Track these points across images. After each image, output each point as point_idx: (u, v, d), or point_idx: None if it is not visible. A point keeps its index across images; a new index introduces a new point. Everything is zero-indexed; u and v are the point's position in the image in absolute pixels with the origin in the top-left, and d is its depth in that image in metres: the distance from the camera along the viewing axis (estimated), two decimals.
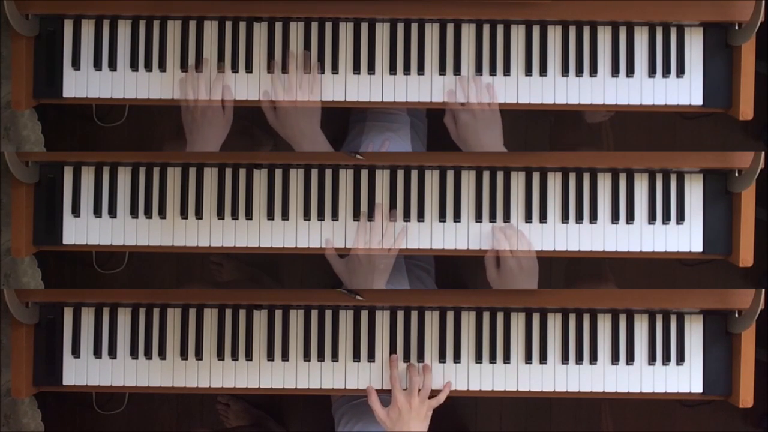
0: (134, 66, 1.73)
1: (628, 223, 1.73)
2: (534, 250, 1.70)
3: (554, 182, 1.74)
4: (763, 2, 1.67)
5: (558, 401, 2.29)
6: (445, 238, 1.73)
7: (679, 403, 2.22)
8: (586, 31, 1.74)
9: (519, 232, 1.70)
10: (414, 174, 1.74)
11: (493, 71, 1.73)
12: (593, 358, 1.73)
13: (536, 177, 1.74)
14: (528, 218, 1.73)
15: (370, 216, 1.72)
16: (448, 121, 1.73)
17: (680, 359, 1.73)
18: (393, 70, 1.73)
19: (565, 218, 1.73)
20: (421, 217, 1.73)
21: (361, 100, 1.73)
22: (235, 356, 1.74)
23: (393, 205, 1.73)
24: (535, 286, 1.70)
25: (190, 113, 1.71)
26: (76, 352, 1.75)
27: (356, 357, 1.73)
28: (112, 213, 1.74)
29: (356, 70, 1.73)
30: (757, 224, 1.72)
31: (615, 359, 1.73)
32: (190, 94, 1.70)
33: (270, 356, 1.73)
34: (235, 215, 1.74)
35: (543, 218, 1.73)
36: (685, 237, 1.73)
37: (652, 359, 1.73)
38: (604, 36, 1.74)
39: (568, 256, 1.74)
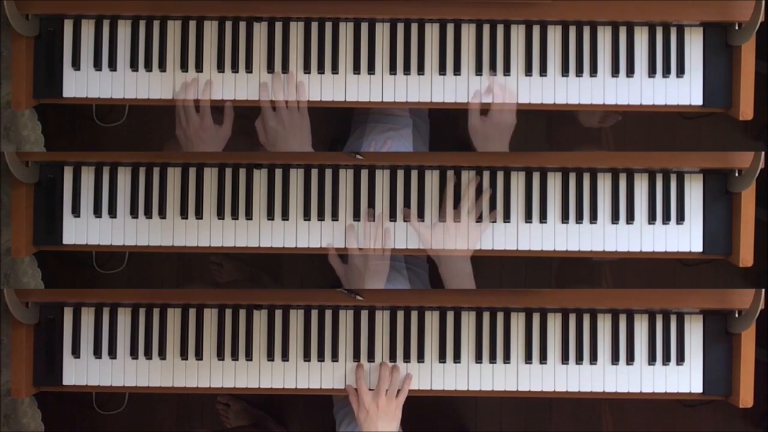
0: (134, 66, 1.73)
1: (628, 223, 1.73)
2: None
3: (554, 182, 1.74)
4: (763, 2, 1.67)
5: (558, 401, 2.29)
6: (445, 239, 1.73)
7: (679, 403, 2.22)
8: (586, 31, 1.74)
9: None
10: (414, 174, 1.74)
11: (493, 71, 1.73)
12: (593, 358, 1.73)
13: (536, 177, 1.74)
14: (528, 218, 1.73)
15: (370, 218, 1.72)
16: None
17: (680, 359, 1.73)
18: (393, 70, 1.73)
19: (565, 218, 1.73)
20: (421, 217, 1.73)
21: (361, 100, 1.73)
22: (235, 356, 1.74)
23: (393, 205, 1.73)
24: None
25: (182, 132, 1.71)
26: (76, 352, 1.75)
27: (356, 357, 1.73)
28: (112, 213, 1.74)
29: (356, 70, 1.73)
30: (757, 224, 1.72)
31: (615, 359, 1.73)
32: (182, 116, 1.71)
33: (270, 356, 1.73)
34: (235, 215, 1.74)
35: (543, 218, 1.73)
36: (685, 237, 1.73)
37: (652, 359, 1.73)
38: (604, 36, 1.74)
39: (568, 256, 1.74)
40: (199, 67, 1.73)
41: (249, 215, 1.73)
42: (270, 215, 1.73)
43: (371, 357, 1.73)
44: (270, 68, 1.73)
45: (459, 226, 1.70)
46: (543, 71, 1.73)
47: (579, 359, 1.73)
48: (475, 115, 1.72)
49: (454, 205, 1.72)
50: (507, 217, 1.73)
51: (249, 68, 1.73)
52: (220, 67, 1.73)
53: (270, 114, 1.70)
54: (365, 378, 1.70)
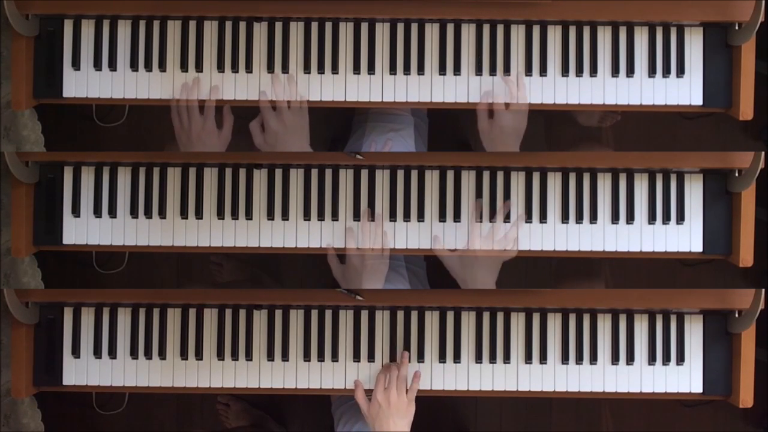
0: (134, 66, 1.73)
1: (628, 223, 1.73)
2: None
3: (554, 182, 1.74)
4: (763, 2, 1.67)
5: (558, 401, 2.29)
6: (445, 238, 1.73)
7: (679, 403, 2.22)
8: (586, 31, 1.74)
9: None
10: (414, 174, 1.74)
11: (493, 71, 1.73)
12: (593, 358, 1.73)
13: (536, 177, 1.74)
14: (528, 218, 1.73)
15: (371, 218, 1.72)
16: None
17: (680, 359, 1.73)
18: (393, 70, 1.73)
19: (565, 218, 1.73)
20: (421, 217, 1.73)
21: (361, 100, 1.73)
22: (235, 356, 1.74)
23: (393, 206, 1.73)
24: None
25: (184, 133, 1.71)
26: (76, 352, 1.75)
27: (356, 357, 1.73)
28: (112, 213, 1.74)
29: (356, 70, 1.73)
30: (757, 224, 1.72)
31: (615, 359, 1.73)
32: (184, 117, 1.71)
33: (270, 356, 1.73)
34: (235, 215, 1.74)
35: (543, 218, 1.73)
36: (685, 237, 1.73)
37: (652, 359, 1.73)
38: (604, 36, 1.74)
39: (568, 256, 1.74)
40: (199, 67, 1.73)
41: (249, 215, 1.73)
42: (270, 215, 1.73)
43: (371, 357, 1.73)
44: (270, 68, 1.73)
45: (484, 257, 1.70)
46: (543, 71, 1.73)
47: (579, 359, 1.73)
48: (483, 117, 1.71)
49: (481, 217, 1.72)
50: (507, 217, 1.72)
51: (249, 68, 1.73)
52: (220, 67, 1.73)
53: (271, 114, 1.70)
54: (385, 373, 1.69)
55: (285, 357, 1.74)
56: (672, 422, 2.28)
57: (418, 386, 1.69)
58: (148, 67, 1.73)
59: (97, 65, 1.74)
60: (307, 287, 2.28)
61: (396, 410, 1.65)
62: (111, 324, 1.75)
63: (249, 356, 1.74)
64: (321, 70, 1.73)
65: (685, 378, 1.73)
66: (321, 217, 1.73)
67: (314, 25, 1.73)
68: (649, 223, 1.73)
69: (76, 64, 1.73)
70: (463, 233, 1.73)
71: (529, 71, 1.73)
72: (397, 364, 1.70)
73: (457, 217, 1.72)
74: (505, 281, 2.26)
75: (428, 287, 1.95)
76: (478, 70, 1.73)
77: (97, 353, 1.76)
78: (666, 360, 1.73)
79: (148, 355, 1.75)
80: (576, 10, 1.71)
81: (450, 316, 1.74)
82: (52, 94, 1.74)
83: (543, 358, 1.73)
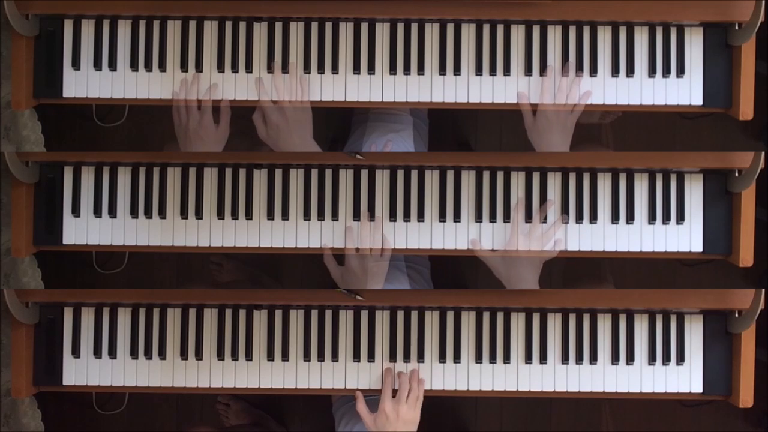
0: (134, 66, 1.73)
1: (628, 223, 1.73)
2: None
3: (554, 182, 1.74)
4: (763, 2, 1.67)
5: (558, 401, 2.29)
6: (445, 238, 1.73)
7: (679, 403, 2.22)
8: (586, 31, 1.74)
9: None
10: (414, 174, 1.74)
11: (493, 71, 1.73)
12: (593, 358, 1.73)
13: (536, 177, 1.74)
14: (528, 218, 1.73)
15: (371, 218, 1.72)
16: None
17: (680, 359, 1.73)
18: (393, 70, 1.73)
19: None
20: (421, 217, 1.73)
21: (361, 100, 1.73)
22: (235, 356, 1.74)
23: (393, 205, 1.73)
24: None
25: (182, 130, 1.72)
26: (76, 352, 1.75)
27: (356, 357, 1.73)
28: (112, 213, 1.74)
29: (356, 70, 1.73)
30: (757, 224, 1.72)
31: (615, 359, 1.73)
32: (183, 114, 1.71)
33: (270, 356, 1.73)
34: (235, 215, 1.74)
35: (543, 218, 1.73)
36: (685, 237, 1.73)
37: (652, 359, 1.73)
38: (604, 36, 1.74)
39: (568, 256, 1.74)
40: (199, 67, 1.73)
41: (249, 215, 1.74)
42: (270, 215, 1.73)
43: (371, 357, 1.73)
44: (270, 68, 1.73)
45: (525, 257, 1.70)
46: (543, 71, 1.73)
47: (579, 359, 1.73)
48: (528, 114, 1.71)
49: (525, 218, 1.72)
50: (507, 218, 1.73)
51: (249, 68, 1.73)
52: (220, 67, 1.73)
53: (272, 109, 1.70)
54: (392, 383, 1.69)
55: (285, 357, 1.74)
56: (672, 422, 2.28)
57: (421, 392, 1.69)
58: (148, 67, 1.73)
59: (97, 65, 1.74)
60: (307, 287, 2.28)
61: (403, 424, 1.65)
62: (111, 324, 1.75)
63: (249, 356, 1.74)
64: (321, 70, 1.73)
65: (685, 378, 1.73)
66: (321, 217, 1.73)
67: (314, 25, 1.73)
68: (649, 223, 1.73)
69: (76, 64, 1.73)
70: (463, 233, 1.73)
71: (529, 71, 1.73)
72: (407, 376, 1.69)
73: (457, 217, 1.72)
74: None
75: (432, 287, 1.95)
76: (478, 70, 1.73)
77: (97, 353, 1.76)
78: (666, 360, 1.73)
79: (148, 355, 1.75)
80: (576, 10, 1.71)
81: (450, 316, 1.74)
82: (52, 94, 1.74)
83: (543, 358, 1.73)
